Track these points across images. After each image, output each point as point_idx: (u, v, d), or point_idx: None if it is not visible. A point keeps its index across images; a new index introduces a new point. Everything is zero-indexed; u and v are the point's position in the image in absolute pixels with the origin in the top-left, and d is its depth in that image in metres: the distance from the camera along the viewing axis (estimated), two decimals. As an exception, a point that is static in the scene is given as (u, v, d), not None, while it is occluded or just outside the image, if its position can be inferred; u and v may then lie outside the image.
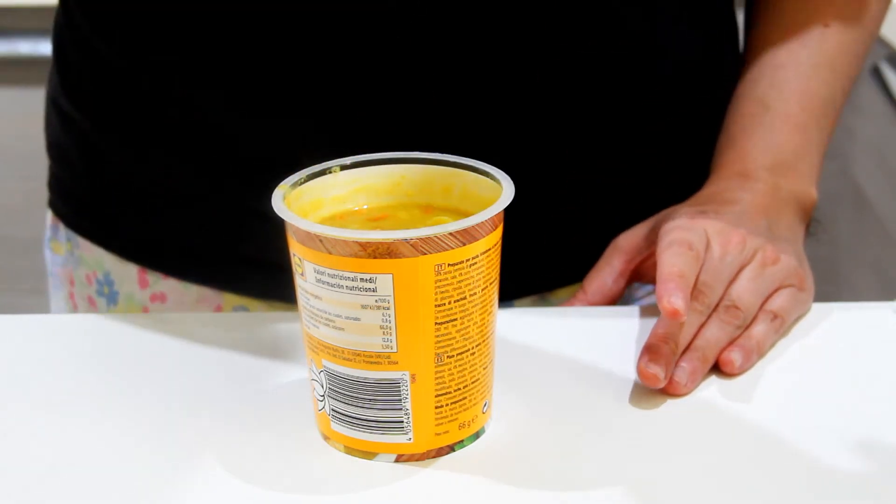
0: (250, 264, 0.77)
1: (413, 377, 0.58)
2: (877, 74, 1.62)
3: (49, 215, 0.86)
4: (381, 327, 0.57)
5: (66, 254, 0.84)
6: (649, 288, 0.79)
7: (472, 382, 0.60)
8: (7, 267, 1.85)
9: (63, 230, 0.84)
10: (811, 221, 0.79)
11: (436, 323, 0.58)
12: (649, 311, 0.74)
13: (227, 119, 0.73)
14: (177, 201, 0.77)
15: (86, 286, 0.83)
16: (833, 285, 1.81)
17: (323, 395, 0.60)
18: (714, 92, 0.80)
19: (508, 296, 0.75)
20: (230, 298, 0.79)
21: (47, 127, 0.84)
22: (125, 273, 0.81)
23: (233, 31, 0.72)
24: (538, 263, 0.77)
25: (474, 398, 0.61)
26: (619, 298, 0.74)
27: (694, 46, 0.78)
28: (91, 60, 0.77)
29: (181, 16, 0.72)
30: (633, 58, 0.74)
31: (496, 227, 0.59)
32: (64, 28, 0.80)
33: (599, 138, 0.75)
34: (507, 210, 0.59)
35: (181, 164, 0.76)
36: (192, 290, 0.79)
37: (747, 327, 0.67)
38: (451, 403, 0.60)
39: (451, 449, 0.61)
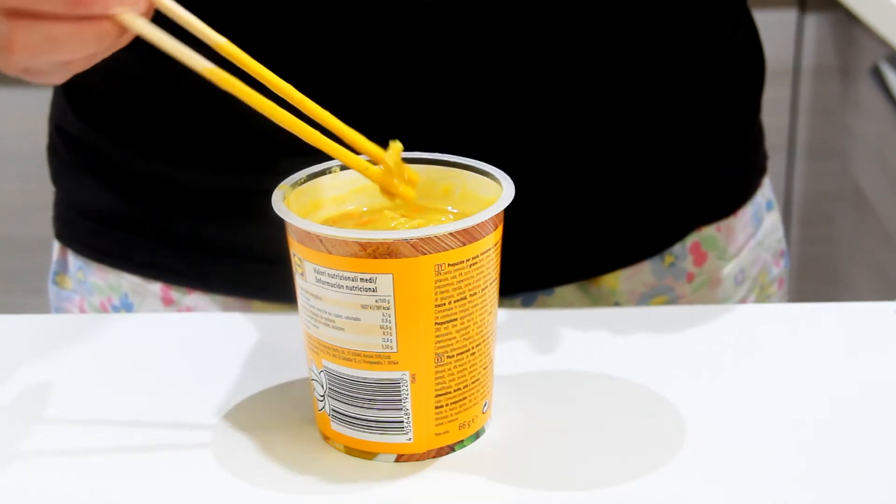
0: (266, 263, 0.76)
1: (413, 377, 0.58)
2: (877, 74, 1.62)
3: (56, 248, 0.85)
4: (382, 327, 0.57)
5: (75, 285, 0.83)
6: (650, 289, 0.79)
7: (472, 382, 0.60)
8: (7, 267, 1.85)
9: (73, 260, 0.83)
10: None
11: (436, 323, 0.58)
12: (649, 312, 0.74)
13: (226, 117, 0.73)
14: (191, 206, 0.76)
15: (100, 312, 0.82)
16: (833, 285, 1.81)
17: (323, 395, 0.60)
18: (721, 94, 0.79)
19: (532, 281, 0.75)
20: (257, 307, 0.78)
21: (52, 157, 0.83)
22: (146, 293, 0.80)
23: (235, 29, 0.71)
24: (538, 263, 0.77)
25: (474, 398, 0.61)
26: None
27: (703, 48, 0.77)
28: (97, 69, 0.77)
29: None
30: (637, 58, 0.74)
31: (496, 227, 0.59)
32: None
33: (601, 138, 0.75)
34: (508, 210, 0.59)
35: (191, 164, 0.75)
36: (218, 302, 0.79)
37: None
38: (451, 403, 0.60)
39: (451, 449, 0.61)
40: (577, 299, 0.78)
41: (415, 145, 0.65)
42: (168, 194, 0.77)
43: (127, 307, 0.80)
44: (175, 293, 0.79)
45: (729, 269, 0.82)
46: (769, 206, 0.86)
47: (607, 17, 0.72)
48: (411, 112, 0.71)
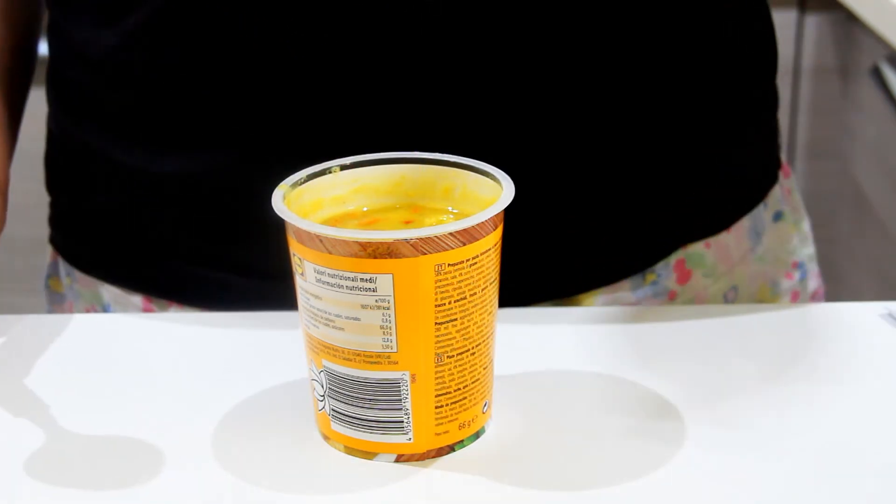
0: (251, 276, 0.76)
1: (413, 377, 0.58)
2: (877, 74, 1.62)
3: (49, 252, 0.85)
4: (381, 327, 0.57)
5: (65, 289, 0.84)
6: (648, 291, 0.79)
7: (473, 382, 0.60)
8: (7, 267, 1.85)
9: (63, 265, 0.83)
10: None
11: (436, 323, 0.58)
12: (649, 312, 0.74)
13: (225, 117, 0.73)
14: (176, 208, 0.76)
15: None
16: (833, 285, 1.81)
17: (323, 395, 0.60)
18: (723, 96, 0.79)
19: (508, 298, 0.75)
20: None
21: (49, 163, 0.83)
22: (127, 303, 0.80)
23: (232, 28, 0.71)
24: (515, 281, 0.76)
25: (474, 398, 0.61)
26: None
27: (708, 51, 0.77)
28: (85, 70, 0.77)
29: (179, 13, 0.72)
30: (638, 58, 0.74)
31: (496, 227, 0.59)
32: (55, 49, 0.80)
33: (602, 139, 0.75)
34: (508, 210, 0.59)
35: (180, 165, 0.75)
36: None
37: None
38: (451, 403, 0.60)
39: (451, 449, 0.61)
40: None
41: (415, 145, 0.65)
42: (152, 204, 0.77)
43: None
44: (155, 305, 0.79)
45: (717, 287, 0.81)
46: (777, 217, 0.84)
47: (607, 17, 0.72)
48: (412, 112, 0.71)
